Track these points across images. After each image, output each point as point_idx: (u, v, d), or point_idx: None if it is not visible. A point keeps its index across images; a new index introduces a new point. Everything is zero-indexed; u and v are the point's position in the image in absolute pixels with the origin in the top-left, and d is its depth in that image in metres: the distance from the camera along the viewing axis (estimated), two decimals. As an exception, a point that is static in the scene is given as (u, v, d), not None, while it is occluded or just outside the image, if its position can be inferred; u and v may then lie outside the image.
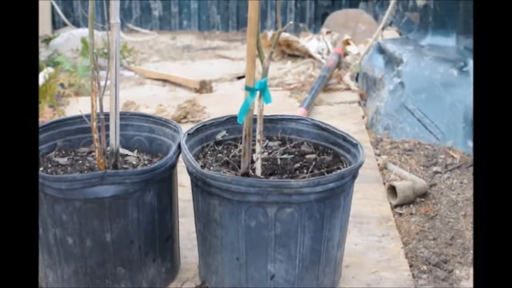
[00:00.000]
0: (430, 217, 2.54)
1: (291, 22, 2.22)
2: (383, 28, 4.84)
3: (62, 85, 4.03)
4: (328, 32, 5.51)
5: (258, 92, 1.82)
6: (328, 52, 5.12)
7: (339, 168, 1.96)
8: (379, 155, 3.14)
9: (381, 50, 4.16)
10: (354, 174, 1.87)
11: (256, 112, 1.88)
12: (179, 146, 1.94)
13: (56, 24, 6.37)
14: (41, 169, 1.98)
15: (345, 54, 4.91)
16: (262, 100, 1.85)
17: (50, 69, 4.11)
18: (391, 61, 3.88)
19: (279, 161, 2.02)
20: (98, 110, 1.87)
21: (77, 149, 2.15)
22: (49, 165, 2.01)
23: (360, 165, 1.86)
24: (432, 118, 3.30)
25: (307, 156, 2.06)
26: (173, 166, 1.94)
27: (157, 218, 1.92)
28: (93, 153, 2.07)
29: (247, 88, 1.79)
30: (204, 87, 4.36)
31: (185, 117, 3.70)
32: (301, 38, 5.48)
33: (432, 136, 3.25)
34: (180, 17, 6.59)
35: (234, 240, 1.82)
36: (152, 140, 2.16)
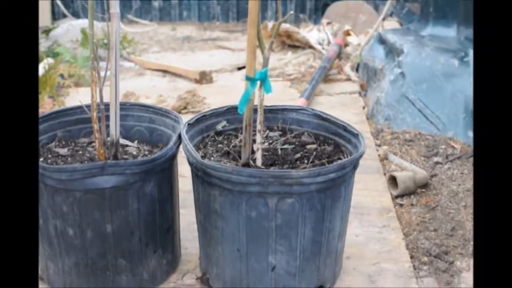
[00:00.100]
0: (431, 208, 2.54)
1: (292, 12, 2.21)
2: (383, 19, 4.83)
3: (62, 75, 4.02)
4: (328, 23, 5.49)
5: (258, 82, 1.82)
6: (329, 42, 5.10)
7: (340, 159, 1.96)
8: (379, 145, 3.14)
9: (381, 41, 4.15)
10: (355, 165, 1.87)
11: (256, 102, 1.87)
12: (179, 137, 1.93)
13: (56, 15, 6.35)
14: (41, 159, 1.97)
15: (346, 44, 4.90)
16: (263, 90, 1.85)
17: (50, 60, 4.10)
18: (392, 51, 3.87)
19: (279, 151, 2.01)
20: (98, 101, 1.87)
21: (77, 139, 2.14)
22: (49, 156, 2.00)
23: (361, 155, 1.86)
24: (433, 109, 3.29)
25: (308, 147, 2.05)
26: (173, 157, 1.93)
27: (158, 209, 1.91)
28: (93, 144, 2.07)
29: (248, 78, 1.78)
30: (204, 77, 4.35)
31: (185, 108, 3.69)
32: (301, 29, 5.46)
33: (433, 126, 3.24)
34: (180, 8, 6.57)
35: (234, 231, 1.81)
36: (152, 130, 2.16)
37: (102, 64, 1.87)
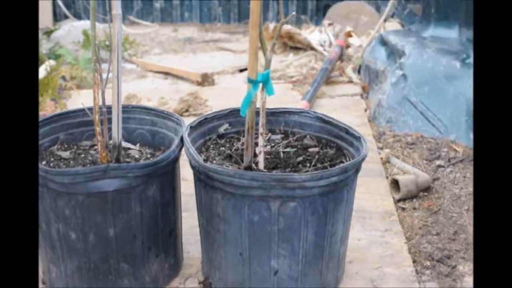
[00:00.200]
0: (433, 212, 2.53)
1: (294, 14, 2.20)
2: (385, 20, 4.82)
3: (63, 78, 4.02)
4: (330, 24, 5.49)
5: (260, 85, 1.81)
6: (330, 44, 5.10)
7: (342, 162, 1.95)
8: (381, 148, 3.13)
9: (383, 42, 4.14)
10: (357, 168, 1.86)
11: (258, 104, 1.86)
12: (181, 140, 1.93)
13: (57, 16, 6.35)
14: (43, 162, 1.97)
15: (347, 46, 4.89)
16: (265, 93, 1.84)
17: (52, 62, 4.09)
18: (393, 53, 3.86)
19: (282, 154, 2.00)
20: (100, 103, 1.86)
21: (80, 142, 2.14)
22: (52, 159, 2.00)
23: (363, 159, 1.85)
24: (435, 111, 3.29)
25: (310, 150, 2.04)
26: (175, 160, 1.93)
27: (160, 213, 1.91)
28: (95, 147, 2.06)
29: (250, 81, 1.77)
30: (206, 80, 4.34)
31: (187, 110, 3.69)
32: (303, 30, 5.46)
33: (435, 129, 3.24)
34: (182, 9, 6.57)
35: (237, 234, 1.81)
36: (155, 133, 2.15)
37: (104, 66, 1.86)
